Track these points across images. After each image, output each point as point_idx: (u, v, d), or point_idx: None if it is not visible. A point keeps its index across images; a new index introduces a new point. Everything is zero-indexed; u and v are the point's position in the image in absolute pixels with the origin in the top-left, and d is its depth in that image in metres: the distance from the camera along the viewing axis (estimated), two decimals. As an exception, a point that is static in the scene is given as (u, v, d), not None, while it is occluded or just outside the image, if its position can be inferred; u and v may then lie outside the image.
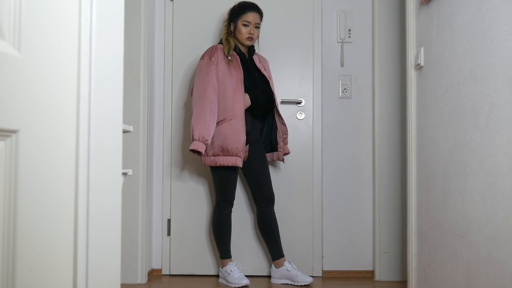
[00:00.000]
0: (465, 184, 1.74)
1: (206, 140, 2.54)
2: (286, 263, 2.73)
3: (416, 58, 2.22)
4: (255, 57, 2.81)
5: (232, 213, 2.80)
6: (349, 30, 3.06)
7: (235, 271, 2.72)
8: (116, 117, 1.04)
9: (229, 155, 2.60)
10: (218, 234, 2.79)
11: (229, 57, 2.65)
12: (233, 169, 2.69)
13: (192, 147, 2.54)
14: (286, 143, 2.86)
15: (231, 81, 2.64)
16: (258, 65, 2.79)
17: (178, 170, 3.05)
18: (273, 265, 2.78)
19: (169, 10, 3.08)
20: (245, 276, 2.76)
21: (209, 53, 2.68)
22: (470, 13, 1.72)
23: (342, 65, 3.06)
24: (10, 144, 0.77)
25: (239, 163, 2.60)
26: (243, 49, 2.77)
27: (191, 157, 3.03)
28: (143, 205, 2.80)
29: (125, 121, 1.17)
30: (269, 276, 2.89)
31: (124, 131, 1.26)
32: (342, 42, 3.06)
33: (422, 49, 2.16)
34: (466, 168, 1.73)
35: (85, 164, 0.92)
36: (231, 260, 2.81)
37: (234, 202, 2.81)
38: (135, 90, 2.79)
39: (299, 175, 3.01)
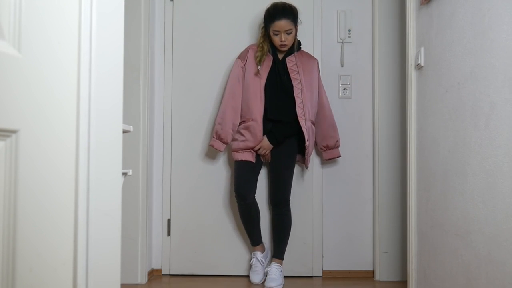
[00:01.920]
0: (465, 184, 1.74)
1: (222, 139, 2.75)
2: (272, 263, 2.76)
3: (416, 58, 2.22)
4: (290, 58, 2.74)
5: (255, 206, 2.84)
6: (349, 30, 3.06)
7: (254, 265, 2.80)
8: (116, 117, 1.04)
9: (246, 149, 2.73)
10: (243, 224, 2.87)
11: (259, 67, 2.69)
12: (248, 164, 2.73)
13: (210, 143, 2.81)
14: (328, 148, 2.82)
15: (255, 85, 2.70)
16: (291, 67, 2.73)
17: (178, 170, 3.05)
18: None
19: (169, 10, 3.08)
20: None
21: (242, 54, 2.80)
22: (470, 13, 1.72)
23: (342, 65, 3.06)
24: (10, 144, 0.77)
25: (252, 158, 2.73)
26: (279, 52, 2.76)
27: (191, 157, 3.03)
28: (143, 205, 2.80)
29: (125, 121, 1.17)
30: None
31: (124, 131, 1.26)
32: (342, 42, 3.06)
33: (422, 49, 2.16)
34: (466, 168, 1.73)
35: (85, 164, 0.92)
36: (256, 250, 2.84)
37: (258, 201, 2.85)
38: (135, 90, 2.79)
39: (299, 175, 3.01)
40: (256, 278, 2.77)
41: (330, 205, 3.03)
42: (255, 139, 2.69)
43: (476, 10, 1.68)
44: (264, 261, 2.84)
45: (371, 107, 3.02)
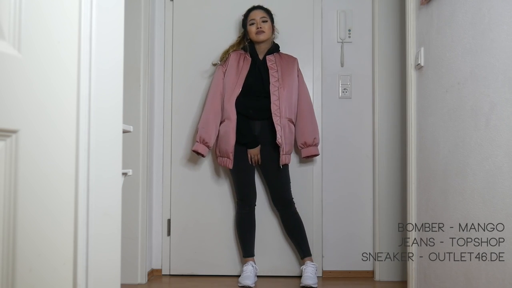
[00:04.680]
0: (465, 184, 1.74)
1: (207, 143, 2.73)
2: (307, 263, 2.76)
3: (416, 58, 2.22)
4: (270, 57, 2.79)
5: (255, 212, 2.86)
6: (349, 30, 3.06)
7: (246, 271, 2.74)
8: (116, 116, 1.04)
9: (222, 156, 2.76)
10: (238, 233, 2.88)
11: (219, 61, 2.84)
12: (242, 169, 2.75)
13: (193, 148, 2.77)
14: (306, 145, 2.79)
15: (231, 84, 2.74)
16: (270, 65, 2.77)
17: (178, 170, 3.05)
18: None
19: (169, 10, 3.08)
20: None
21: (224, 58, 2.85)
22: (470, 13, 1.72)
23: (342, 65, 3.06)
24: (10, 144, 0.77)
25: (229, 164, 2.72)
26: (260, 50, 2.81)
27: (190, 157, 3.03)
28: (143, 205, 2.80)
29: (125, 121, 1.17)
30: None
31: (124, 131, 1.26)
32: (342, 42, 3.06)
33: (422, 49, 2.16)
34: (466, 168, 1.73)
35: (85, 164, 0.92)
36: (250, 259, 2.81)
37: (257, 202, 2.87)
38: (135, 90, 2.79)
39: (299, 175, 3.01)
40: (248, 281, 2.68)
41: (330, 205, 3.03)
42: (227, 138, 2.68)
43: (476, 10, 1.68)
44: (257, 268, 2.83)
45: (371, 107, 3.02)
